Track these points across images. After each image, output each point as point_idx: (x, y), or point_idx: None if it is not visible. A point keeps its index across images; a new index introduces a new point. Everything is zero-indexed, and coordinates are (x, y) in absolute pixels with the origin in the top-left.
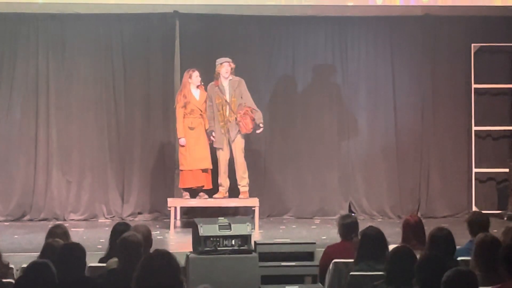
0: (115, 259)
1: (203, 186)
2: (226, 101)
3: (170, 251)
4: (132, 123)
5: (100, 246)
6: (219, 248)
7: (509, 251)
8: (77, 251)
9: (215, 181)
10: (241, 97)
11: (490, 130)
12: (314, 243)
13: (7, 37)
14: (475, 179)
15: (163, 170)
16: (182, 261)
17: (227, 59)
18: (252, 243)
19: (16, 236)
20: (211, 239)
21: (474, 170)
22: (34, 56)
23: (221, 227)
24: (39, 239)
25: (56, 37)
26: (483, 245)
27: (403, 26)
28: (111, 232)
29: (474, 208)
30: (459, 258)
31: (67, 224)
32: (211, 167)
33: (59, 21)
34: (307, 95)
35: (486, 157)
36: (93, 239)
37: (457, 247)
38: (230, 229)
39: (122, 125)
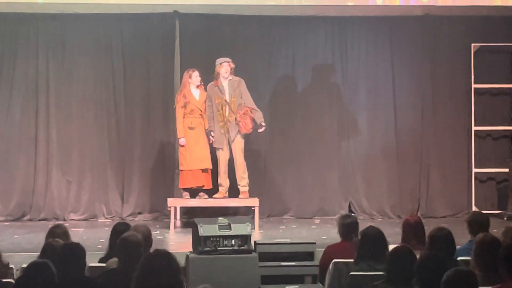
0: (115, 259)
1: (203, 186)
2: (225, 101)
3: (170, 251)
4: (132, 123)
5: (100, 246)
6: (219, 248)
7: (509, 251)
8: (77, 251)
9: (215, 181)
10: (241, 97)
11: (490, 130)
12: (314, 243)
13: (7, 37)
14: (475, 179)
15: (163, 170)
16: (182, 261)
17: (227, 59)
18: (252, 243)
19: (16, 236)
20: (211, 239)
21: (474, 170)
22: (34, 56)
23: (221, 227)
24: (39, 239)
25: (56, 37)
26: (483, 245)
27: (403, 26)
28: (111, 232)
29: (474, 208)
30: (459, 258)
31: (67, 224)
32: (211, 167)
33: (59, 21)
34: (307, 95)
35: (486, 157)
36: (93, 239)
37: (457, 247)
38: (230, 229)
39: (122, 125)
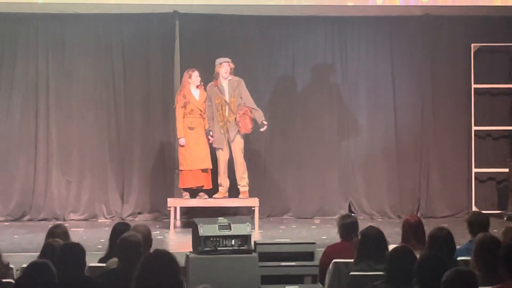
0: (115, 259)
1: (203, 186)
2: (225, 101)
3: (170, 251)
4: (132, 123)
5: (100, 246)
6: (219, 248)
7: (509, 251)
8: (77, 251)
9: (215, 181)
10: (241, 97)
11: (490, 130)
12: (314, 243)
13: (7, 37)
14: (475, 179)
15: (163, 170)
16: (182, 261)
17: (227, 59)
18: (252, 243)
19: (16, 236)
20: (211, 239)
21: (474, 170)
22: (34, 56)
23: (221, 227)
24: (39, 239)
25: (56, 37)
26: (483, 245)
27: (403, 26)
28: (111, 232)
29: (474, 208)
30: (459, 258)
31: (67, 224)
32: (211, 167)
33: (59, 21)
34: (307, 95)
35: (486, 157)
36: (93, 239)
37: (457, 247)
38: (230, 229)
39: (122, 125)
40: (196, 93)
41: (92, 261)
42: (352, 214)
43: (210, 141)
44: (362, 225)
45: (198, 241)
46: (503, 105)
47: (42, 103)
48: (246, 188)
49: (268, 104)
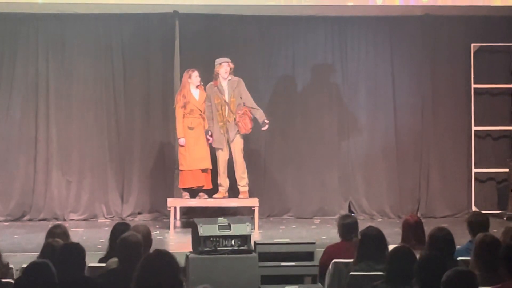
0: (115, 259)
1: (202, 186)
2: (225, 101)
3: (170, 251)
4: (132, 123)
5: (100, 246)
6: (218, 248)
7: (509, 251)
8: (77, 251)
9: (215, 181)
10: (241, 97)
11: (489, 130)
12: (314, 243)
13: (7, 37)
14: (475, 179)
15: (163, 170)
16: (182, 261)
17: (226, 59)
18: (252, 243)
19: (16, 236)
20: (211, 239)
21: (474, 170)
22: (34, 56)
23: (221, 227)
24: (39, 239)
25: (56, 37)
26: (482, 245)
27: (403, 26)
28: (111, 232)
29: (474, 208)
30: (458, 258)
31: (67, 224)
32: (210, 167)
33: (59, 21)
34: (307, 95)
35: (486, 157)
36: (93, 239)
37: (457, 247)
38: (230, 229)
39: (122, 125)
40: (196, 93)
41: (92, 261)
42: (352, 214)
43: (210, 141)
44: (362, 225)
45: (198, 241)
46: (503, 105)
47: (42, 103)
48: (246, 188)
49: (268, 104)
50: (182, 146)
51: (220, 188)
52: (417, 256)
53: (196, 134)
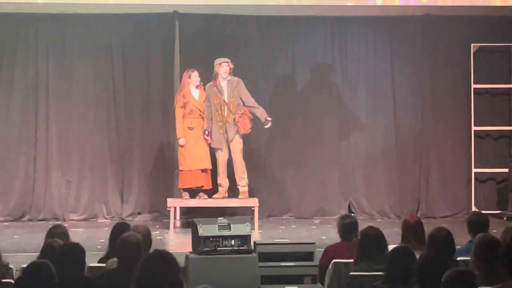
0: (114, 259)
1: (202, 186)
2: (224, 101)
3: (170, 251)
4: (132, 123)
5: (99, 246)
6: (218, 248)
7: (509, 251)
8: (77, 251)
9: (214, 181)
10: (241, 98)
11: (489, 130)
12: (314, 243)
13: (7, 37)
14: (475, 179)
15: (163, 170)
16: (181, 261)
17: (226, 59)
18: (252, 243)
19: (16, 236)
20: (211, 239)
21: (474, 170)
22: (34, 56)
23: (221, 227)
24: (38, 239)
25: (56, 37)
26: (482, 245)
27: (402, 26)
28: (111, 232)
29: (473, 208)
30: (458, 258)
31: (66, 224)
32: (210, 167)
33: (59, 21)
34: (307, 95)
35: (485, 157)
36: (92, 239)
37: (457, 247)
38: (230, 229)
39: (122, 125)
40: (195, 93)
41: (92, 261)
42: (352, 214)
43: (208, 141)
44: (362, 225)
45: (198, 241)
46: (503, 105)
47: (42, 103)
48: (246, 188)
49: (268, 104)
50: (182, 146)
51: (220, 188)
52: (417, 256)
53: (196, 134)
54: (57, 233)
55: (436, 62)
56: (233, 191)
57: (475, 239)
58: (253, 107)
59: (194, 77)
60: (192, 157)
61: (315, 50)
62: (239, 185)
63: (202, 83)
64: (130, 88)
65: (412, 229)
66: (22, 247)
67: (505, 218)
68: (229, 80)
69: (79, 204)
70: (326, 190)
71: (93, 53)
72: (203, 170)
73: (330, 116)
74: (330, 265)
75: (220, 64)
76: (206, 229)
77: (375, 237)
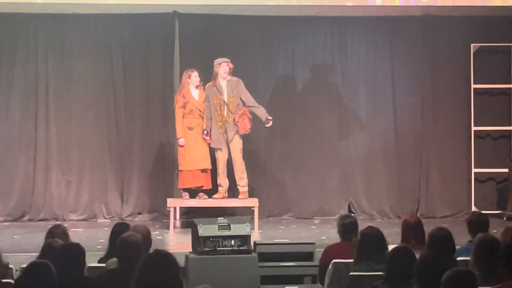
0: (114, 259)
1: (202, 186)
2: (224, 101)
3: (170, 251)
4: (131, 123)
5: (99, 246)
6: (218, 249)
7: (509, 251)
8: (77, 251)
9: (214, 181)
10: (240, 98)
11: (489, 130)
12: (314, 243)
13: (7, 37)
14: (475, 179)
15: (163, 170)
16: (181, 261)
17: (225, 59)
18: (252, 243)
19: (15, 236)
20: (211, 239)
21: (474, 170)
22: (33, 56)
23: (221, 227)
24: (38, 239)
25: (56, 37)
26: (482, 245)
27: (402, 26)
28: (111, 232)
29: (473, 208)
30: (458, 258)
31: (66, 224)
32: (210, 167)
33: (59, 21)
34: (307, 95)
35: (485, 157)
36: (92, 239)
37: (457, 247)
38: (230, 229)
39: (122, 125)
40: (195, 93)
41: (91, 261)
42: (352, 214)
43: (208, 141)
44: (362, 225)
45: (198, 241)
46: (503, 105)
47: (42, 103)
48: (246, 189)
49: (268, 104)
50: (182, 146)
51: (219, 188)
52: (417, 256)
53: (196, 134)
54: (57, 233)
55: (436, 62)
56: (233, 191)
57: (475, 239)
58: (254, 106)
59: (194, 77)
60: (192, 157)
61: (315, 50)
62: (239, 185)
63: (202, 83)
64: (130, 88)
65: (412, 229)
66: (22, 247)
67: (505, 218)
68: (229, 80)
69: (79, 204)
70: (326, 190)
71: (93, 53)
72: (203, 170)
73: (330, 116)
74: (330, 265)
75: (219, 64)
76: (206, 229)
77: (375, 237)
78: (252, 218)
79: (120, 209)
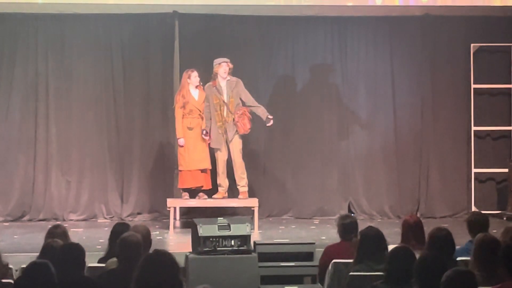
0: (114, 259)
1: (202, 186)
2: (223, 101)
3: (170, 251)
4: (131, 123)
5: (99, 246)
6: (218, 249)
7: (509, 251)
8: (77, 251)
9: (214, 181)
10: (240, 98)
11: (489, 130)
12: (314, 243)
13: (7, 37)
14: (475, 179)
15: (163, 170)
16: (181, 262)
17: (225, 59)
18: (252, 243)
19: (15, 236)
20: (211, 239)
21: (474, 170)
22: (33, 56)
23: (221, 228)
24: (38, 239)
25: (56, 37)
26: (482, 245)
27: (402, 26)
28: (111, 232)
29: (473, 208)
30: (458, 258)
31: (66, 224)
32: (210, 167)
33: (59, 21)
34: (307, 95)
35: (485, 157)
36: (92, 239)
37: (457, 247)
38: (230, 229)
39: (121, 125)
40: (195, 94)
41: (91, 261)
42: (352, 214)
43: (208, 141)
44: (362, 225)
45: (198, 241)
46: (503, 105)
47: (42, 103)
48: (246, 189)
49: (268, 104)
50: (182, 146)
51: (219, 189)
52: (417, 256)
53: (196, 135)
54: (56, 233)
55: (436, 62)
56: (232, 191)
57: (475, 239)
58: (254, 106)
59: (194, 77)
60: (191, 157)
61: (315, 50)
62: (238, 185)
63: (201, 83)
64: (130, 88)
65: (412, 229)
66: (22, 247)
67: (505, 218)
68: (229, 80)
69: (79, 204)
70: (326, 190)
71: (93, 53)
72: (203, 170)
73: (330, 116)
74: (330, 265)
75: (219, 64)
76: (206, 229)
77: (375, 237)
78: (252, 218)
79: (120, 209)
